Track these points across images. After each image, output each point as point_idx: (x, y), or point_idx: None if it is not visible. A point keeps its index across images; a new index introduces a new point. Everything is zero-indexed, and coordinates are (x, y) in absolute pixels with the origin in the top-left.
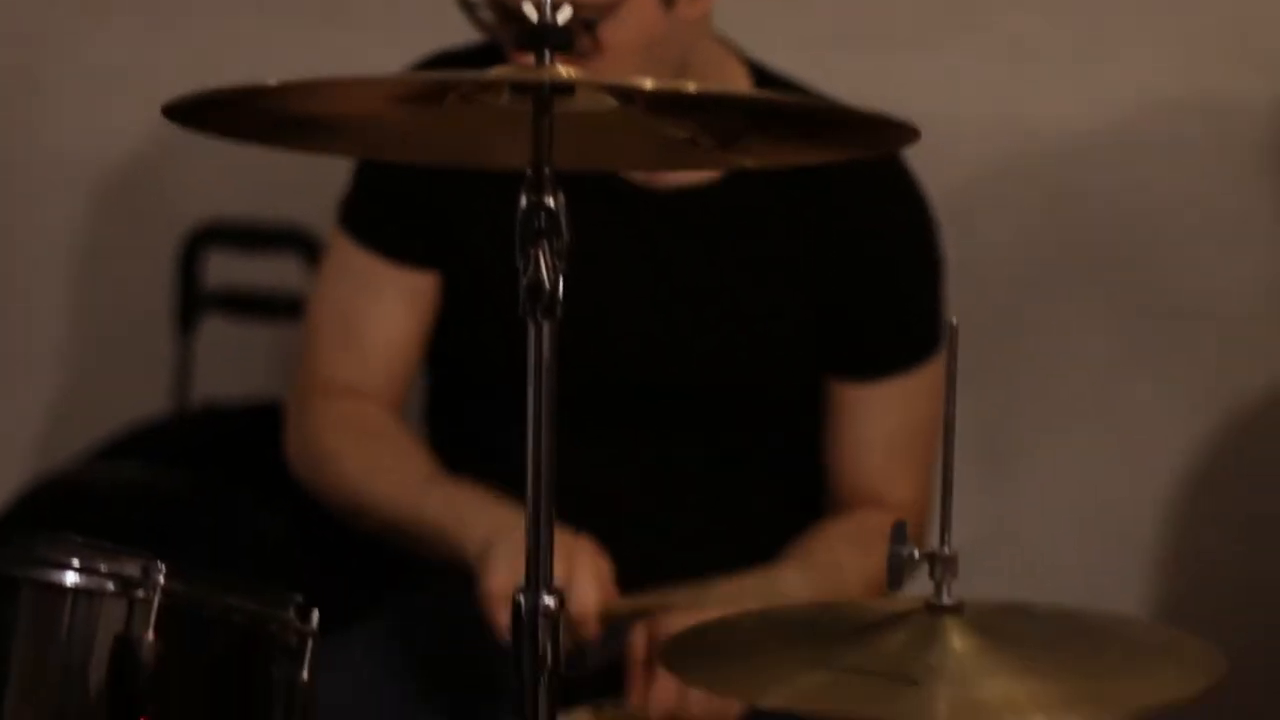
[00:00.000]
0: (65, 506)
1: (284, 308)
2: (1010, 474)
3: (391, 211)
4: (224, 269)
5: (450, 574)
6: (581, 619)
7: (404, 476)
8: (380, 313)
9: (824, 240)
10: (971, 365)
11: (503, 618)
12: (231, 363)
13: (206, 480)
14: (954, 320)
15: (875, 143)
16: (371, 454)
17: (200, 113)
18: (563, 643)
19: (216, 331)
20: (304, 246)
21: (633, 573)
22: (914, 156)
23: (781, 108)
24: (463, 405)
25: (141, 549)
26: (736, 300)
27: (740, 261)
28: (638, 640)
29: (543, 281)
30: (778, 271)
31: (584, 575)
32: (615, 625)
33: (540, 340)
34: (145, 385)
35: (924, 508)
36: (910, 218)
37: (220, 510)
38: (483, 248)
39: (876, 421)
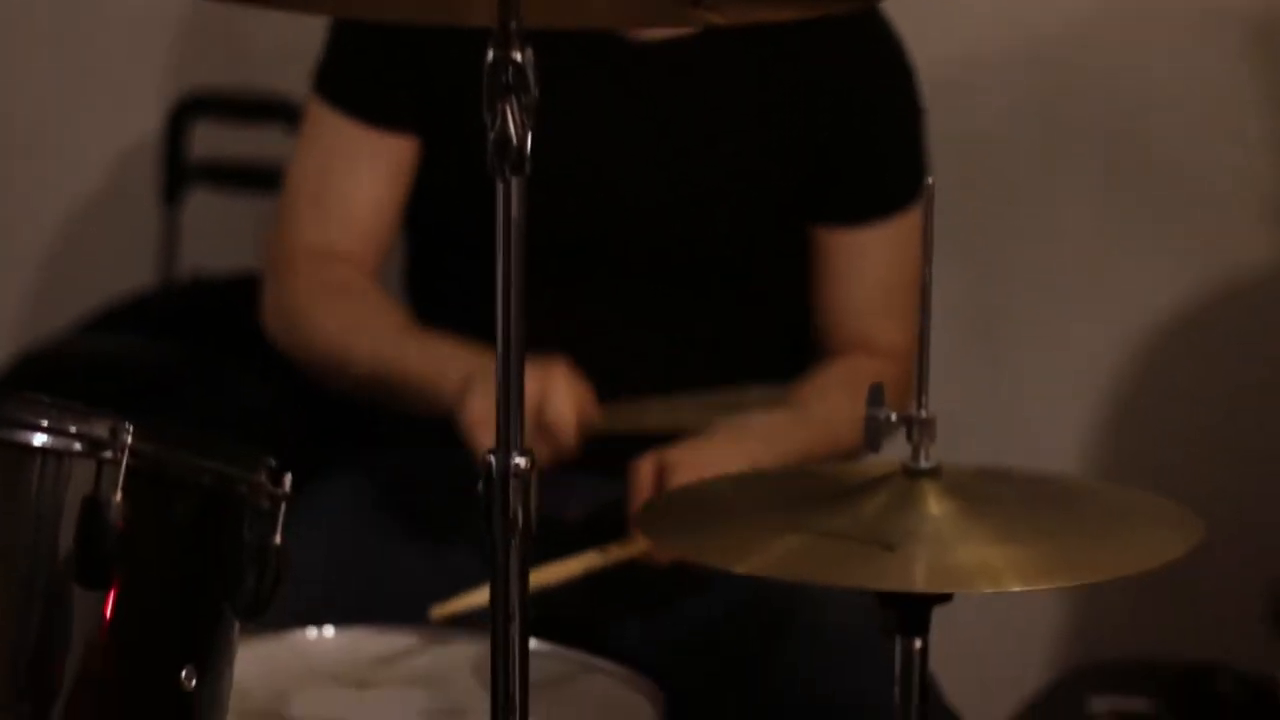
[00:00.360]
0: (50, 379)
1: (270, 179)
2: (998, 341)
3: (367, 75)
4: (210, 140)
5: (430, 436)
6: (561, 431)
7: (381, 330)
8: (357, 177)
9: (804, 87)
10: (963, 233)
11: (484, 445)
12: (217, 235)
13: (192, 352)
14: (930, 180)
15: None
16: (348, 311)
17: None
18: (545, 466)
19: (203, 203)
20: (290, 117)
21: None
22: (913, 30)
23: None
24: (442, 269)
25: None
26: (719, 149)
27: (722, 110)
28: (643, 477)
29: (510, 137)
30: (759, 119)
31: (559, 389)
32: (597, 478)
33: (509, 197)
34: (132, 258)
35: (911, 352)
36: (888, 64)
37: (206, 381)
38: (459, 108)
39: (863, 267)
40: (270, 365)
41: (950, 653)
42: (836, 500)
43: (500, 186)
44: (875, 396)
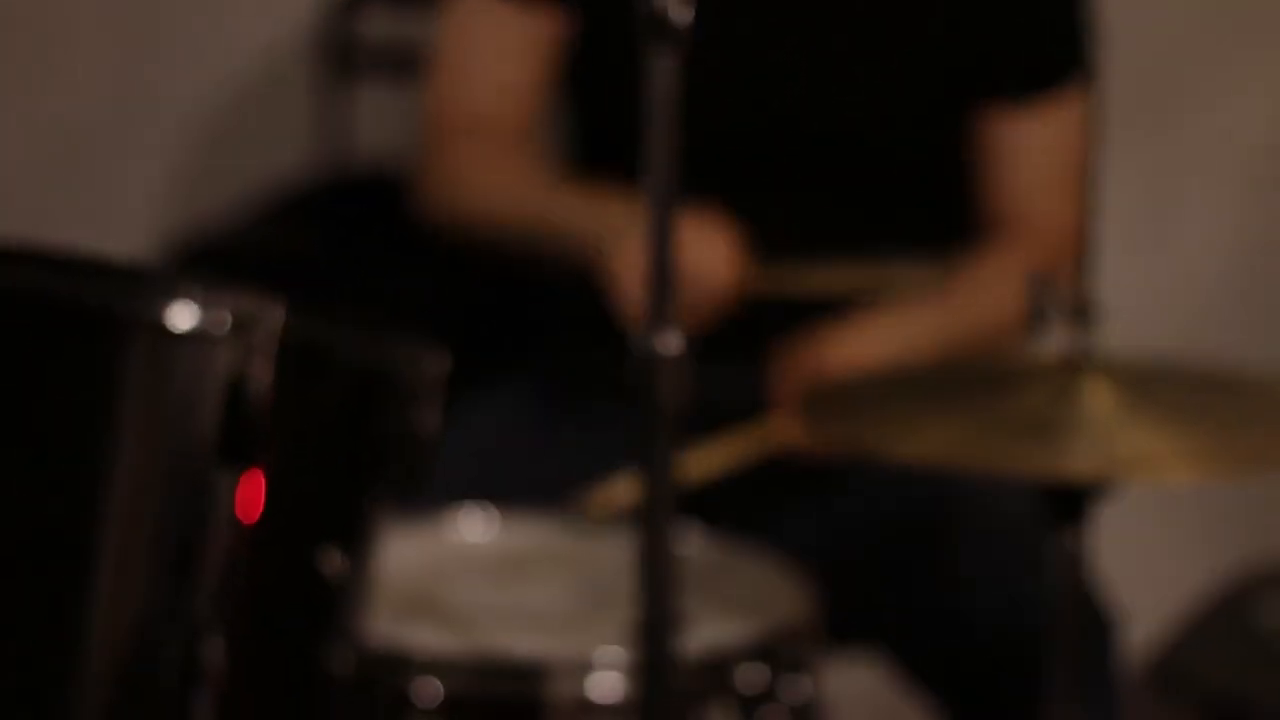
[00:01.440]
0: (208, 269)
1: None
2: (1165, 229)
3: None
4: (380, 27)
5: (590, 330)
6: (714, 286)
7: (538, 184)
8: (502, 52)
9: None
10: (1129, 118)
11: (633, 292)
12: (387, 123)
13: (356, 243)
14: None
15: None
16: (504, 170)
17: None
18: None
19: (375, 97)
20: None
21: (773, 324)
22: None
23: None
24: (606, 148)
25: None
26: (876, 23)
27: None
28: (791, 364)
29: (664, 11)
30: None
31: (715, 243)
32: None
33: (663, 73)
34: (299, 147)
35: (1073, 233)
36: None
37: (366, 272)
38: None
39: (1027, 146)
40: (431, 257)
41: (1117, 555)
42: (997, 389)
43: (655, 64)
44: (1037, 283)
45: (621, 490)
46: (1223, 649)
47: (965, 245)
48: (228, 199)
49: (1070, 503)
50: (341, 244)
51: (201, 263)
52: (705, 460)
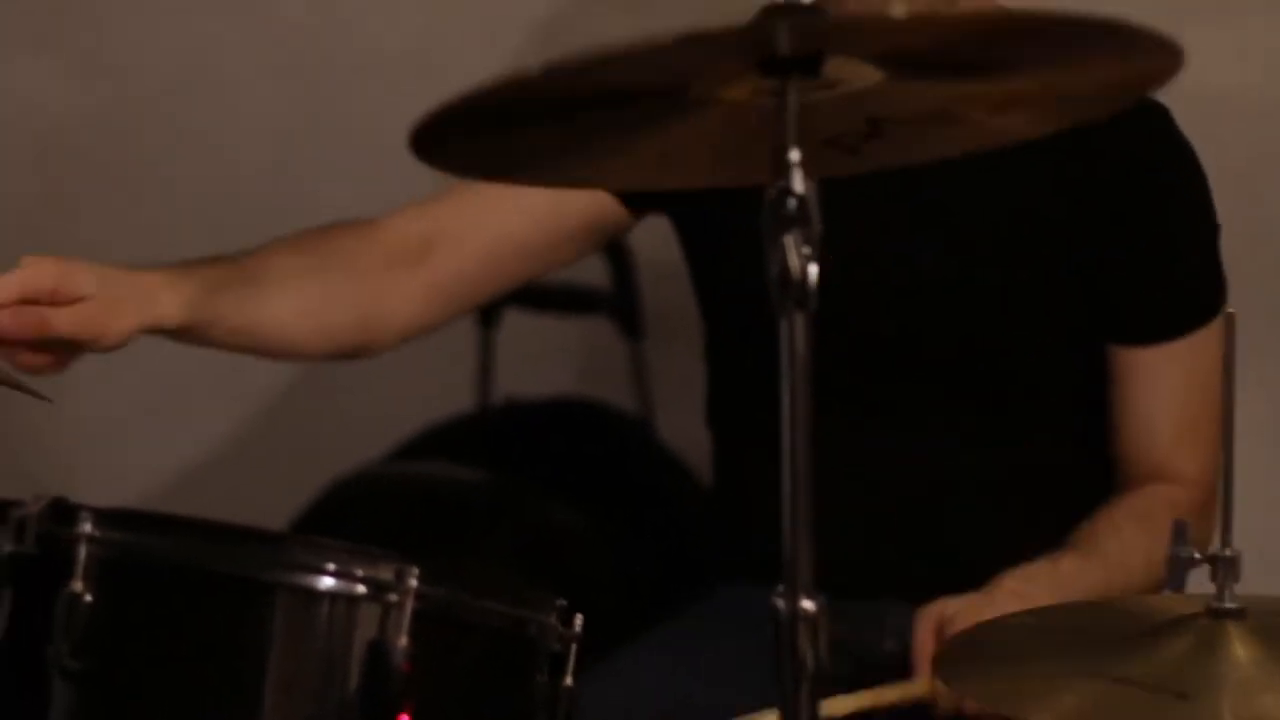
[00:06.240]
0: (364, 505)
1: (586, 302)
2: None
3: None
4: None
5: (746, 580)
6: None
7: None
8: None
9: (1092, 195)
10: (1258, 345)
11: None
12: (533, 358)
13: (506, 478)
14: (1231, 310)
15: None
16: None
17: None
18: None
19: (518, 325)
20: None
21: (905, 561)
22: (1201, 129)
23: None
24: (734, 378)
25: (440, 548)
26: (1004, 259)
27: (1006, 216)
28: (926, 626)
29: (793, 271)
30: (1043, 226)
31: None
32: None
33: (793, 333)
34: (447, 381)
35: (1213, 482)
36: (1182, 172)
37: (522, 509)
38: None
39: (1157, 390)
40: (586, 493)
41: None
42: (1135, 643)
43: (785, 324)
44: (1180, 533)
45: None
46: None
47: (1105, 494)
48: (382, 430)
49: None
50: (493, 477)
51: (355, 498)
52: (844, 706)
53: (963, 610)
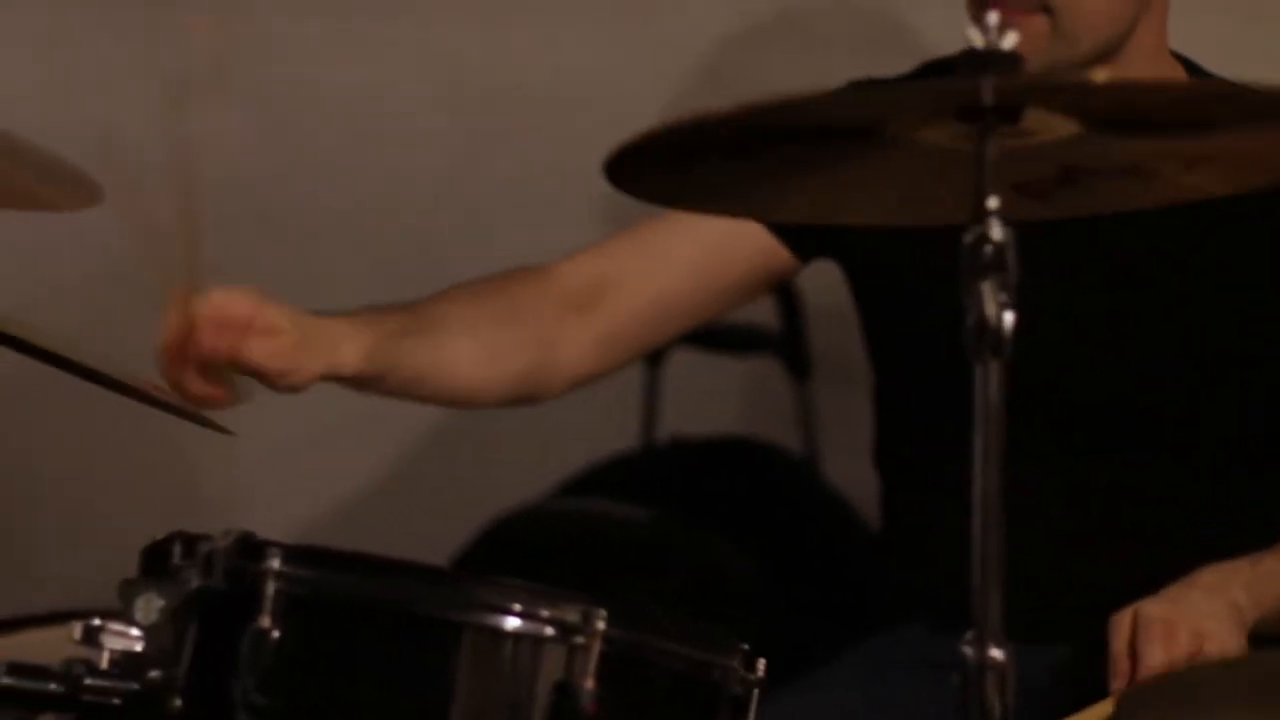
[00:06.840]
0: (529, 542)
1: (753, 342)
2: None
3: None
4: None
5: (918, 621)
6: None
7: None
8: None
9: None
10: None
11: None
12: (700, 396)
13: (671, 517)
14: None
15: None
16: None
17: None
18: None
19: (685, 364)
20: None
21: (1086, 609)
22: None
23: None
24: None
25: (604, 586)
26: (1192, 312)
27: (1197, 267)
28: (1122, 632)
29: (989, 319)
30: (1235, 277)
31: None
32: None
33: (987, 382)
34: (613, 419)
35: None
36: None
37: (685, 548)
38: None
39: None
40: (752, 532)
41: None
42: None
43: (979, 372)
44: None
45: None
46: None
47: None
48: (546, 467)
49: None
50: (659, 517)
51: (518, 537)
52: None
53: (1158, 612)
